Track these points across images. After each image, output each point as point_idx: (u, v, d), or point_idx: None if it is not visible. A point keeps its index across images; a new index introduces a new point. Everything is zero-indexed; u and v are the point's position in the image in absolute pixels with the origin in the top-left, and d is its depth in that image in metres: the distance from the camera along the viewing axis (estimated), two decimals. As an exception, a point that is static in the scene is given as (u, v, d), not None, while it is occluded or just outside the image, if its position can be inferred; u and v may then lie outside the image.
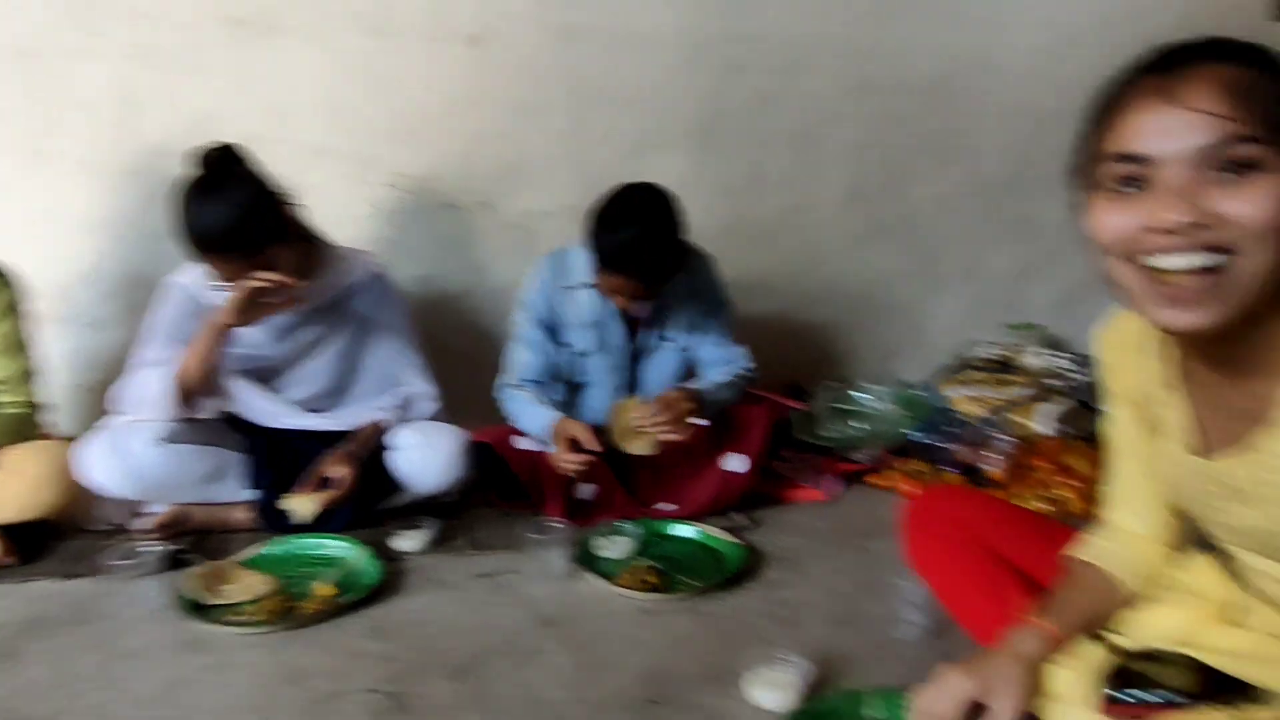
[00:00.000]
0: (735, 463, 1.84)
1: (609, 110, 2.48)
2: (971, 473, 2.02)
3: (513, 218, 2.53)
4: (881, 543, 1.68)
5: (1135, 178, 0.74)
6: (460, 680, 1.26)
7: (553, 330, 1.93)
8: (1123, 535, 1.06)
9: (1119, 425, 1.05)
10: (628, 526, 1.70)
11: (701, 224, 2.50)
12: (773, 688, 1.15)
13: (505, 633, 1.40)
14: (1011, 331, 2.59)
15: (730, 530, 1.76)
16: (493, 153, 2.49)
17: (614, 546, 1.67)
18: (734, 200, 2.56)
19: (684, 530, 1.76)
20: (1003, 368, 2.41)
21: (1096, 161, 0.78)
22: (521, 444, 1.86)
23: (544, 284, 1.91)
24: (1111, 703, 0.92)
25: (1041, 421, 2.14)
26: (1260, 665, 0.89)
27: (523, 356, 1.92)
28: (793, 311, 2.67)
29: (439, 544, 1.74)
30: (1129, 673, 0.95)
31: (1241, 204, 0.69)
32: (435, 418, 1.92)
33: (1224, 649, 0.93)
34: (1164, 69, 0.74)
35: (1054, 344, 2.50)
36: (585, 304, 1.89)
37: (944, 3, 2.53)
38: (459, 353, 2.46)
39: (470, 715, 1.18)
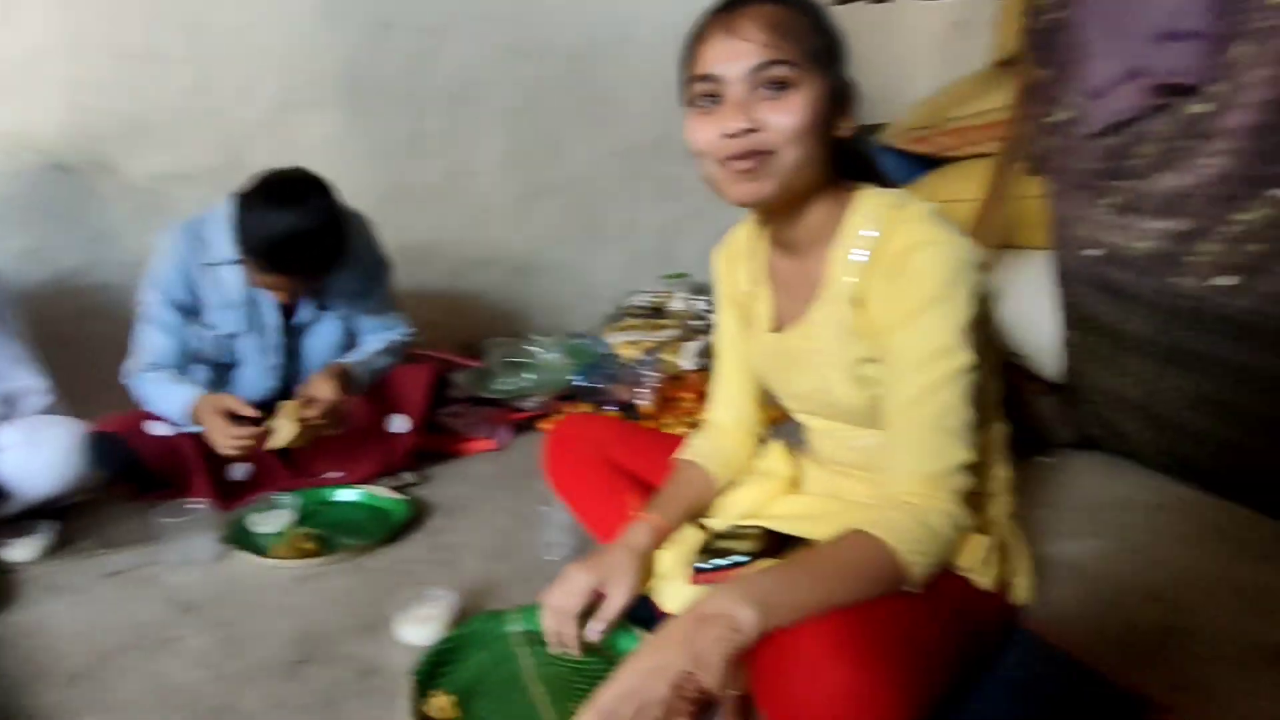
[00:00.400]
0: (399, 424, 1.85)
1: (244, 63, 2.30)
2: (628, 408, 2.23)
3: (139, 181, 2.27)
4: (543, 481, 1.81)
5: (712, 94, 0.93)
6: (76, 685, 1.15)
7: (192, 311, 1.74)
8: (719, 432, 1.27)
9: (723, 329, 1.25)
10: (284, 499, 1.65)
11: (358, 187, 2.43)
12: (419, 623, 1.21)
13: (137, 627, 1.30)
14: (665, 280, 2.87)
15: (398, 488, 1.78)
16: (105, 106, 2.20)
17: (271, 521, 1.60)
18: (392, 163, 2.53)
19: (347, 494, 1.74)
20: (655, 313, 2.67)
21: (687, 84, 0.97)
22: (155, 429, 1.70)
23: (179, 261, 1.70)
24: (697, 573, 1.11)
25: (686, 358, 2.42)
26: (812, 521, 1.12)
27: (154, 340, 1.72)
28: (462, 273, 2.71)
29: (61, 548, 1.55)
30: (714, 548, 1.15)
31: (779, 115, 0.90)
32: (49, 412, 1.69)
33: (786, 514, 1.15)
34: (728, 9, 0.94)
35: (699, 289, 2.81)
36: (230, 282, 1.73)
37: (581, -27, 2.68)
38: (82, 337, 2.17)
39: (85, 717, 1.09)
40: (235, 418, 1.62)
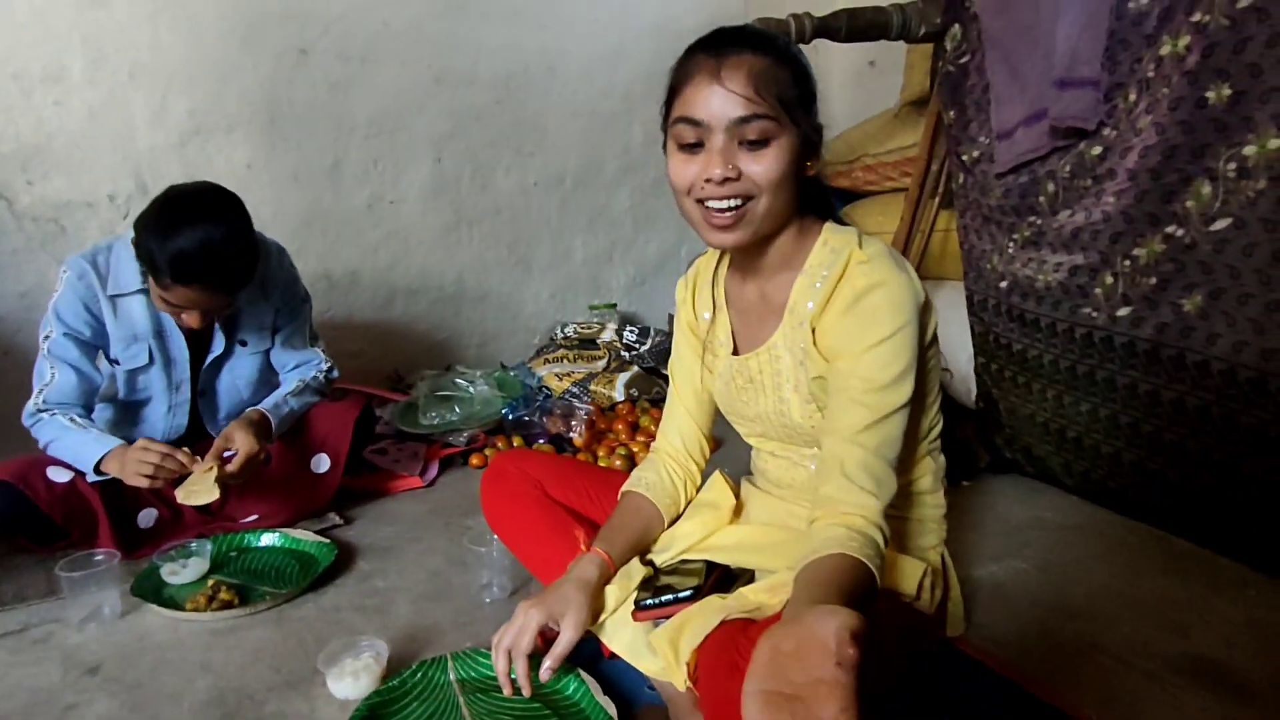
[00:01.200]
0: (322, 462, 1.78)
1: (152, 86, 2.21)
2: (559, 441, 2.21)
3: (37, 209, 2.14)
4: (477, 518, 1.77)
5: (695, 138, 0.96)
6: (-36, 762, 1.06)
7: (95, 346, 1.63)
8: (666, 461, 1.27)
9: (678, 356, 1.27)
10: (198, 546, 1.55)
11: (276, 213, 2.37)
12: (351, 676, 1.15)
13: (35, 693, 1.20)
14: (594, 311, 2.87)
15: (322, 531, 1.71)
16: (-2, 130, 2.07)
17: (184, 570, 1.51)
18: (312, 190, 2.46)
19: (267, 539, 1.66)
20: (586, 344, 2.66)
21: (671, 124, 0.99)
22: (54, 475, 1.57)
23: (83, 291, 1.59)
24: (640, 609, 1.10)
25: (617, 389, 2.41)
26: (754, 552, 1.14)
27: (56, 377, 1.59)
28: (387, 304, 2.65)
29: (-58, 609, 1.42)
30: (658, 584, 1.14)
31: (759, 166, 0.95)
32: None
33: (728, 545, 1.16)
34: (714, 53, 0.96)
35: (628, 320, 2.83)
36: (137, 313, 1.63)
37: (508, 4, 2.68)
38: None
39: (-23, 799, 1.00)
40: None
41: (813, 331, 1.03)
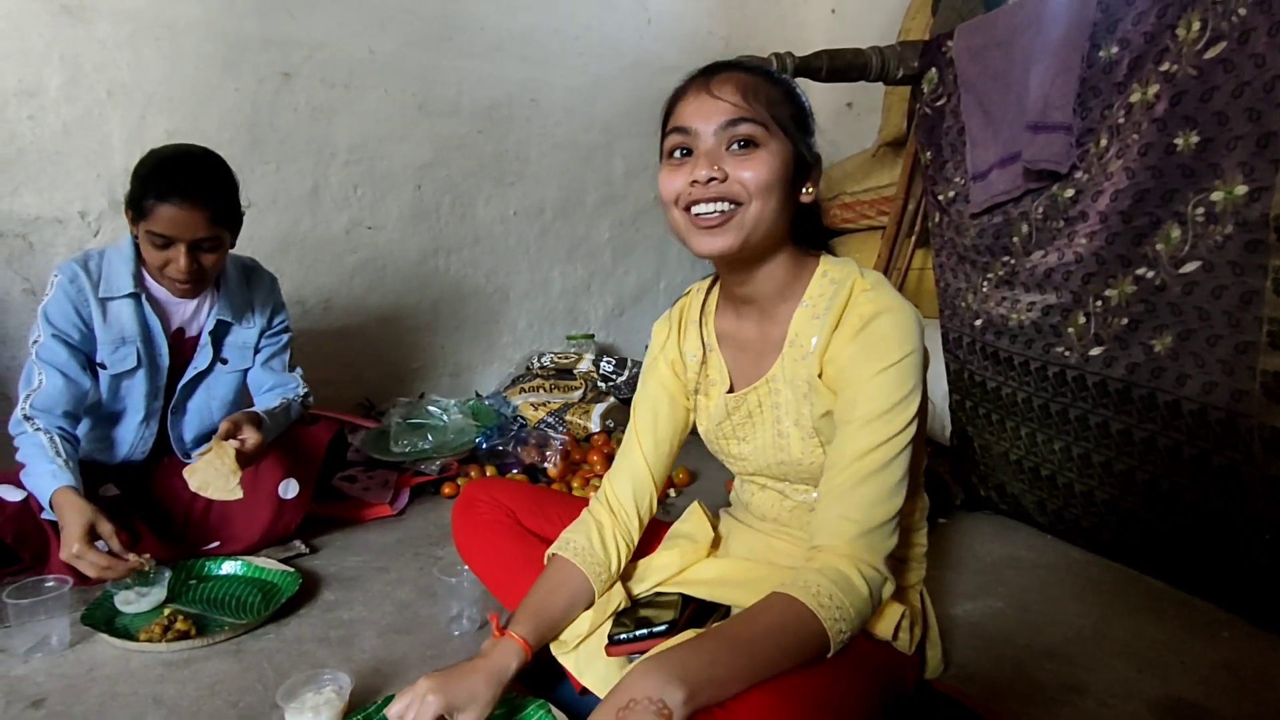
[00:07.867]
0: (289, 488, 1.73)
1: (130, 104, 2.18)
2: (534, 471, 2.18)
3: (4, 224, 2.10)
4: (447, 548, 1.73)
5: (685, 146, 0.99)
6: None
7: (84, 351, 1.61)
8: (601, 517, 1.17)
9: (646, 394, 1.21)
10: (155, 573, 1.49)
11: (253, 237, 2.34)
12: (312, 711, 1.10)
13: (-29, 728, 1.14)
14: (571, 341, 2.86)
15: (286, 559, 1.66)
16: (-37, 143, 2.03)
17: (140, 599, 1.45)
18: (291, 214, 2.43)
19: (229, 567, 1.60)
20: (563, 374, 2.64)
21: (663, 138, 1.02)
22: (6, 493, 1.52)
23: (74, 294, 1.59)
24: (615, 644, 1.07)
25: (593, 420, 2.39)
26: (731, 587, 1.11)
27: (43, 383, 1.56)
28: (361, 329, 2.61)
29: (-121, 636, 1.35)
30: (633, 617, 1.11)
31: (746, 170, 0.96)
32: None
33: (705, 579, 1.13)
34: (706, 73, 1.01)
35: (605, 351, 2.81)
36: (128, 317, 1.64)
37: (492, 37, 2.71)
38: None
39: (-97, 840, 0.93)
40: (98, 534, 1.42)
41: (821, 364, 1.01)
